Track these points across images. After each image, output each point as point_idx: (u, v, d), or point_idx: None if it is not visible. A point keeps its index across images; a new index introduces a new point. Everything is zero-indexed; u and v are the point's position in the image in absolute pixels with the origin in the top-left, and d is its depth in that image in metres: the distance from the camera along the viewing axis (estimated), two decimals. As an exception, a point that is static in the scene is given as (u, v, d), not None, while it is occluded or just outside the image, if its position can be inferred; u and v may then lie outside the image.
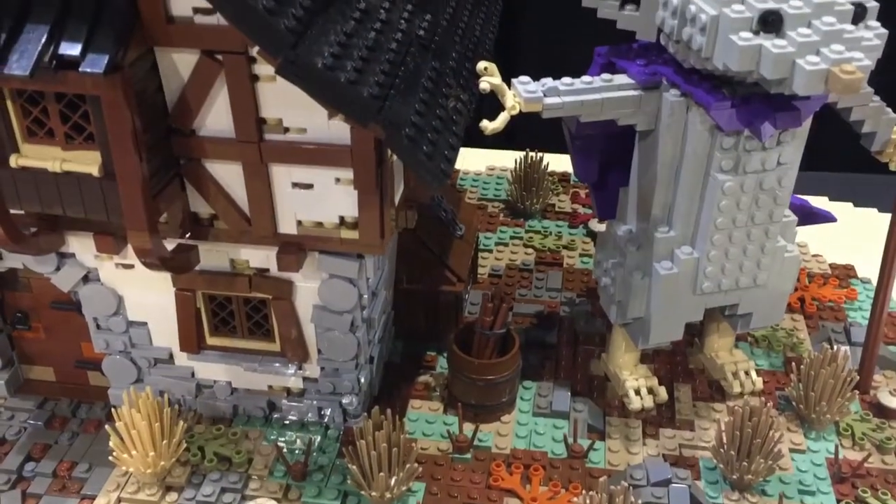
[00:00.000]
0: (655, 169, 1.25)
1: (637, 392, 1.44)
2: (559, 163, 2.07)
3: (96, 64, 0.94)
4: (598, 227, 1.91)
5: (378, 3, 1.16)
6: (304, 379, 1.37)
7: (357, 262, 1.21)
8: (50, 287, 1.33)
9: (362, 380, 1.36)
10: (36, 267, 1.29)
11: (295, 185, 1.14)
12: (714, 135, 1.18)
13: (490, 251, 1.87)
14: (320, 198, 1.14)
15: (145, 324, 1.34)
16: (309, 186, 1.13)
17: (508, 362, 1.40)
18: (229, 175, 1.14)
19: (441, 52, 1.23)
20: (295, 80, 0.95)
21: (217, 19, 1.00)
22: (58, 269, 1.28)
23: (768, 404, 1.29)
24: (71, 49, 0.95)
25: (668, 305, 1.31)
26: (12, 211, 1.10)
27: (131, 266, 1.27)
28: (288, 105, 1.06)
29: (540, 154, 2.00)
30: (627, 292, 1.34)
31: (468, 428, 1.38)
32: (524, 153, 1.99)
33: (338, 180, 1.12)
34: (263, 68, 1.04)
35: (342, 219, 1.16)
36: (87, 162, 1.07)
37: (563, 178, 2.13)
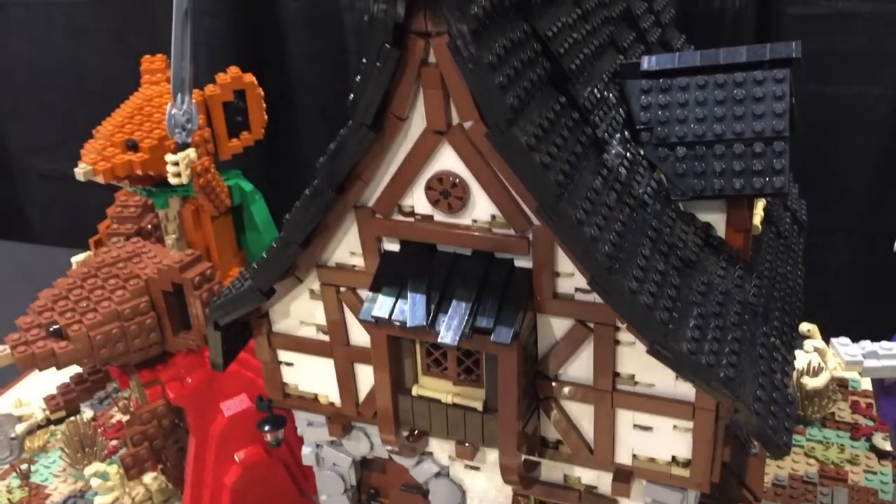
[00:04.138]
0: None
1: None
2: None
3: (504, 335, 1.19)
4: (883, 443, 1.95)
5: (714, 270, 1.35)
6: (614, 584, 1.52)
7: (681, 493, 1.37)
8: (403, 472, 1.59)
9: (669, 592, 1.49)
10: (401, 460, 1.55)
11: (636, 426, 1.32)
12: None
13: (771, 458, 1.95)
14: (657, 439, 1.31)
15: (480, 515, 1.56)
16: (648, 429, 1.31)
17: (809, 593, 1.48)
18: (579, 411, 1.34)
19: (767, 312, 1.39)
20: (662, 360, 1.15)
21: (593, 297, 1.22)
22: (418, 463, 1.54)
23: None
24: (485, 322, 1.21)
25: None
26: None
27: (477, 468, 1.50)
28: (641, 365, 1.25)
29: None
30: (934, 538, 1.40)
31: None
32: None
33: (675, 427, 1.29)
34: (625, 336, 1.24)
35: (674, 458, 1.33)
36: (473, 398, 1.32)
37: (842, 384, 2.18)
